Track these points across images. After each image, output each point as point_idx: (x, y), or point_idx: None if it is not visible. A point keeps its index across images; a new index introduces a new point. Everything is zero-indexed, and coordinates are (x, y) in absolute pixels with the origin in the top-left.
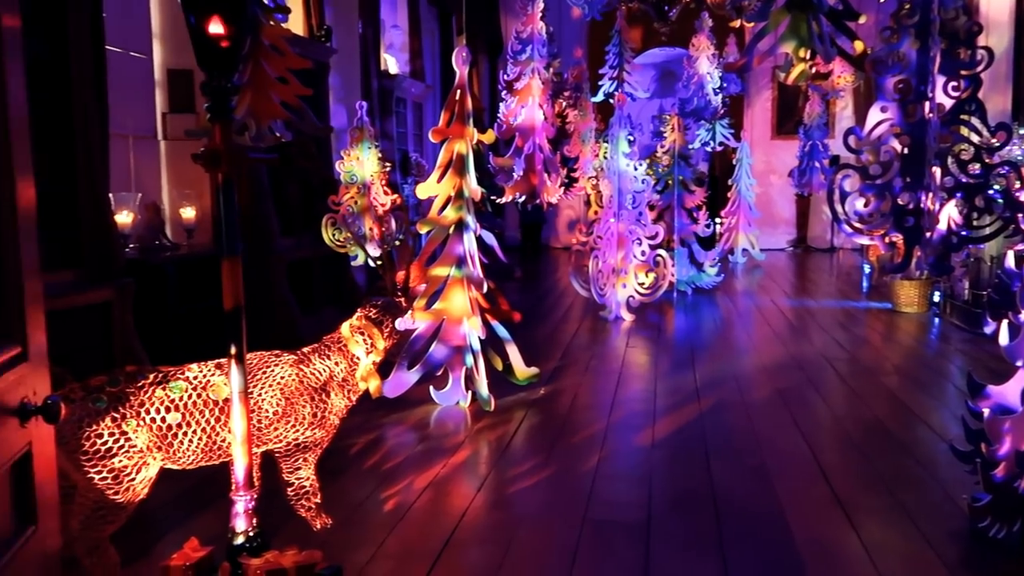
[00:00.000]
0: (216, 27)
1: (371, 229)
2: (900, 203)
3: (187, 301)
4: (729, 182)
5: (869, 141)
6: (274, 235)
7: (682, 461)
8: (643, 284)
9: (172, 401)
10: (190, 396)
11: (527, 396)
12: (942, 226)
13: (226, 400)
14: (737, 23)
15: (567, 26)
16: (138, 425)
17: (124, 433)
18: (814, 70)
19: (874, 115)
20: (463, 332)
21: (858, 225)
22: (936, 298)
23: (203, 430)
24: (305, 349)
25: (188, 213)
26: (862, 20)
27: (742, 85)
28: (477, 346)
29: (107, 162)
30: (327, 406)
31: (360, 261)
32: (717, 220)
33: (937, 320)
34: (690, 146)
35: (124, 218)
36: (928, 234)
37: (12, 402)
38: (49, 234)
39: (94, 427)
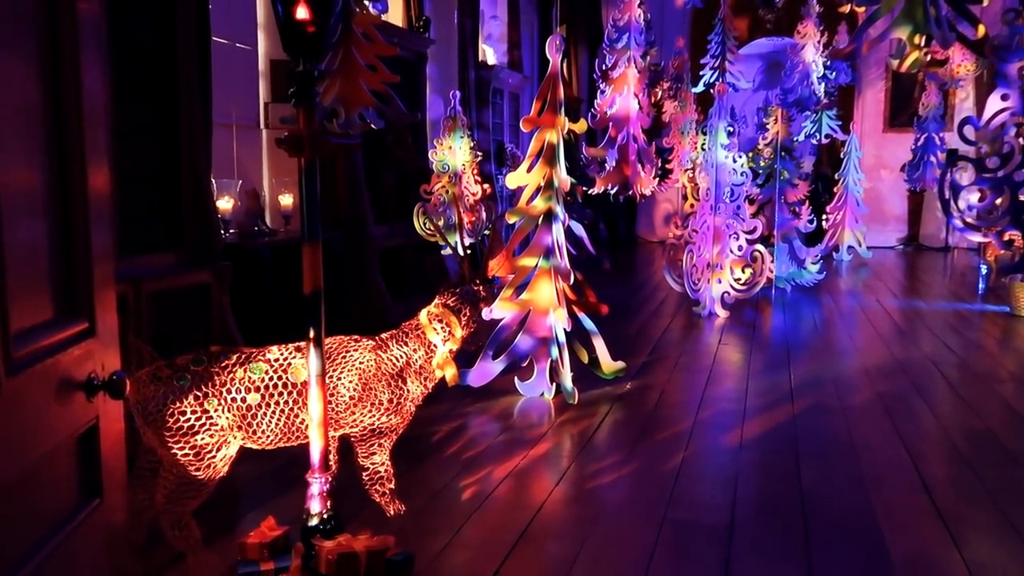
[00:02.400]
0: (302, 12)
1: (461, 218)
2: (1021, 198)
3: (283, 285)
4: (836, 176)
5: (987, 132)
6: (368, 222)
7: (771, 465)
8: (739, 280)
9: (253, 382)
10: (270, 378)
11: (612, 390)
12: None
13: (304, 383)
14: (847, 8)
15: (669, 15)
16: (219, 404)
17: (206, 412)
18: (929, 57)
19: (993, 103)
20: (549, 323)
21: (972, 221)
22: None
23: (281, 411)
24: (383, 335)
25: (286, 200)
26: (985, 2)
27: (852, 75)
28: (563, 338)
29: (209, 149)
30: (403, 392)
31: (450, 250)
32: (824, 216)
33: None
34: (794, 138)
35: (225, 204)
36: None
37: (79, 376)
38: (152, 218)
39: (178, 405)
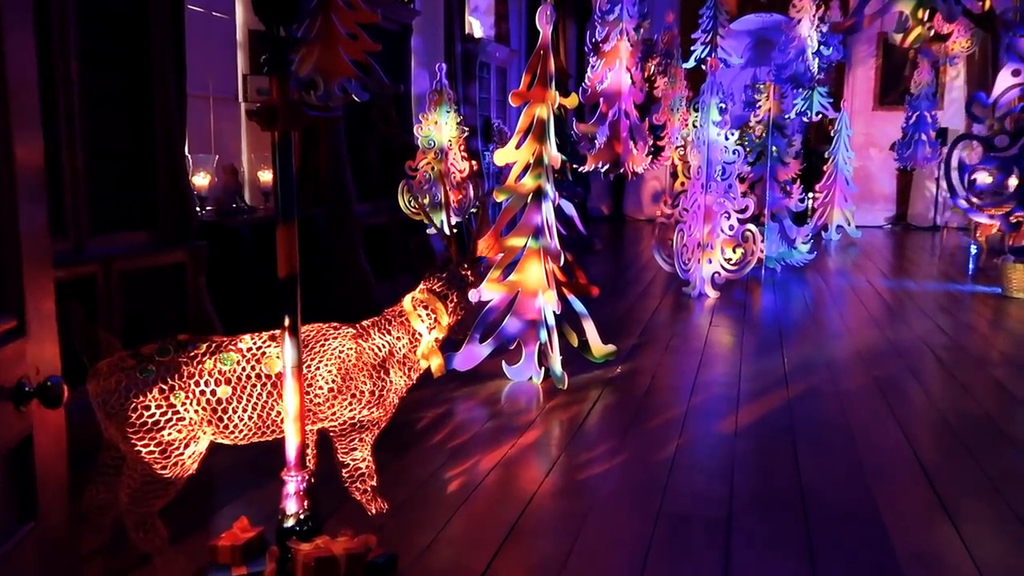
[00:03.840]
0: None
1: (446, 195)
2: None
3: (262, 265)
4: (826, 154)
5: (995, 109)
6: (351, 200)
7: (768, 453)
8: (730, 260)
9: (223, 373)
10: (242, 368)
11: (603, 374)
12: None
13: (279, 374)
14: None
15: None
16: (187, 397)
17: (172, 406)
18: (932, 32)
19: (1004, 79)
20: (538, 306)
21: (977, 202)
22: None
23: (255, 405)
24: (364, 323)
25: (266, 176)
26: None
27: (844, 51)
28: (552, 321)
29: (184, 122)
30: (386, 384)
31: (435, 230)
32: (810, 194)
33: None
34: (786, 116)
35: (201, 180)
36: None
37: (6, 382)
38: (124, 194)
39: (141, 398)
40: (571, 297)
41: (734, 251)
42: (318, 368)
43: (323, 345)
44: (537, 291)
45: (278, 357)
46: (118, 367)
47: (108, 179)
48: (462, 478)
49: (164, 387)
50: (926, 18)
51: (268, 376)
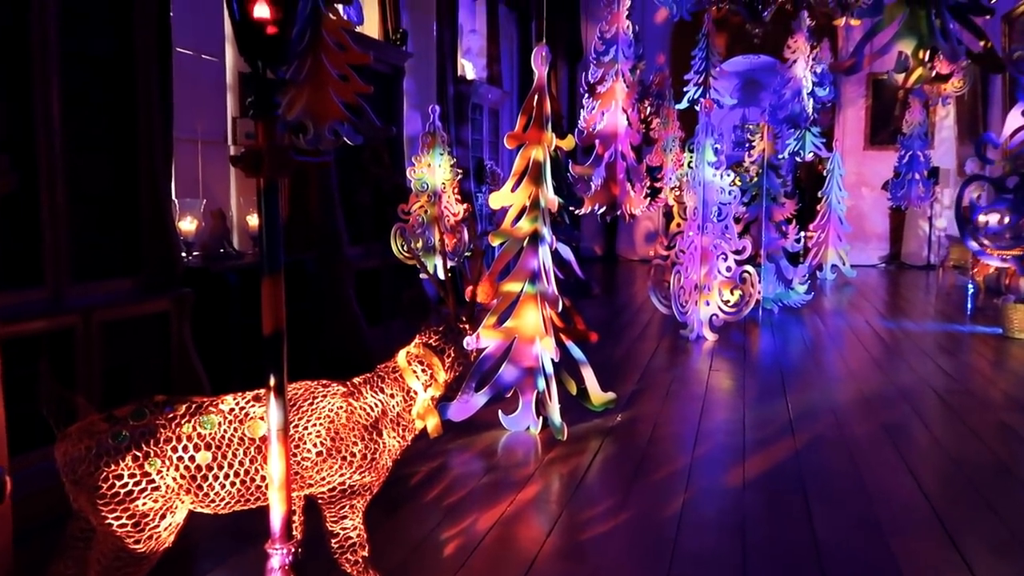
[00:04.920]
0: (262, 10)
1: (441, 240)
2: None
3: (250, 312)
4: (819, 194)
5: (1006, 149)
6: (343, 243)
7: (779, 507)
8: (728, 302)
9: (203, 437)
10: (224, 432)
11: (603, 423)
12: None
13: (264, 438)
14: (841, 21)
15: (649, 31)
16: (164, 464)
17: (147, 474)
18: (934, 72)
19: (1013, 120)
20: (535, 353)
21: (988, 243)
22: None
23: (237, 472)
24: (356, 380)
25: (255, 221)
26: (990, 16)
27: (834, 92)
28: (550, 368)
29: (171, 166)
30: (378, 446)
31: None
32: (804, 234)
33: None
34: (779, 155)
35: (188, 225)
36: None
37: None
38: (107, 240)
39: (113, 467)
40: (569, 343)
41: (732, 293)
42: (306, 429)
43: (311, 404)
44: (534, 338)
45: (263, 419)
46: (88, 432)
47: (90, 224)
48: (459, 539)
49: (138, 454)
50: (927, 58)
51: (252, 440)
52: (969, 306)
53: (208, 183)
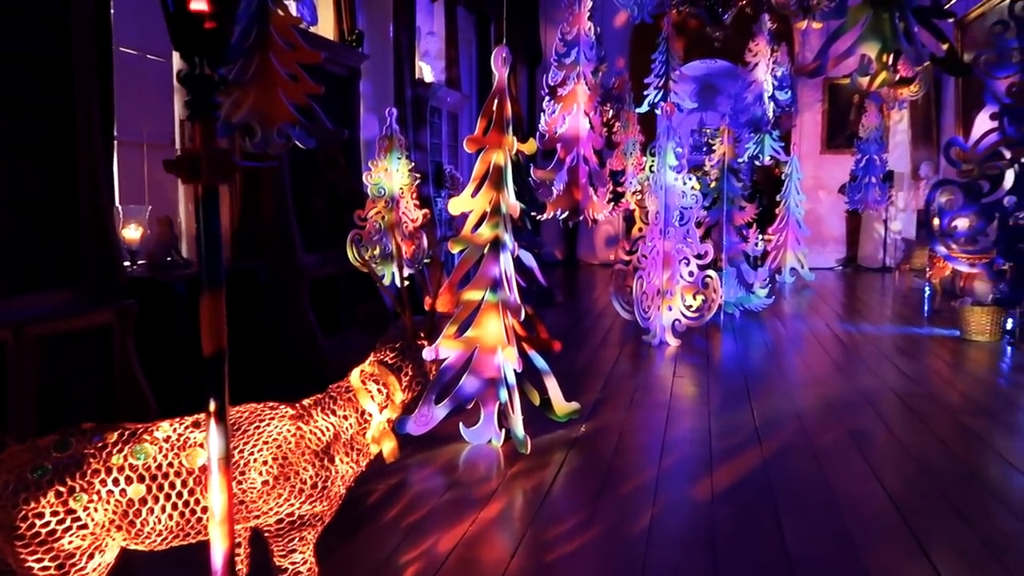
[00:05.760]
0: (199, 2)
1: (398, 248)
2: (1012, 224)
3: (199, 323)
4: (777, 198)
5: (976, 154)
6: (297, 250)
7: (749, 520)
8: (690, 307)
9: (136, 469)
10: (159, 463)
11: (567, 434)
12: None
13: (204, 467)
14: (803, 24)
15: (609, 35)
16: (91, 500)
17: (72, 512)
18: (897, 76)
19: (982, 123)
20: (497, 363)
21: (957, 250)
22: (1009, 325)
23: (174, 505)
24: (306, 401)
25: None
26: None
27: (791, 96)
28: (513, 379)
29: (111, 170)
30: (330, 473)
31: (387, 281)
32: (763, 237)
33: (1010, 349)
34: (739, 159)
35: (132, 233)
36: None
37: None
38: (43, 249)
39: (32, 504)
40: (532, 353)
41: (694, 298)
42: (252, 456)
43: (257, 429)
44: (496, 348)
45: (202, 447)
46: (5, 465)
47: (24, 233)
48: (420, 562)
49: (61, 489)
50: (891, 62)
51: (190, 470)
52: (926, 308)
53: (155, 189)
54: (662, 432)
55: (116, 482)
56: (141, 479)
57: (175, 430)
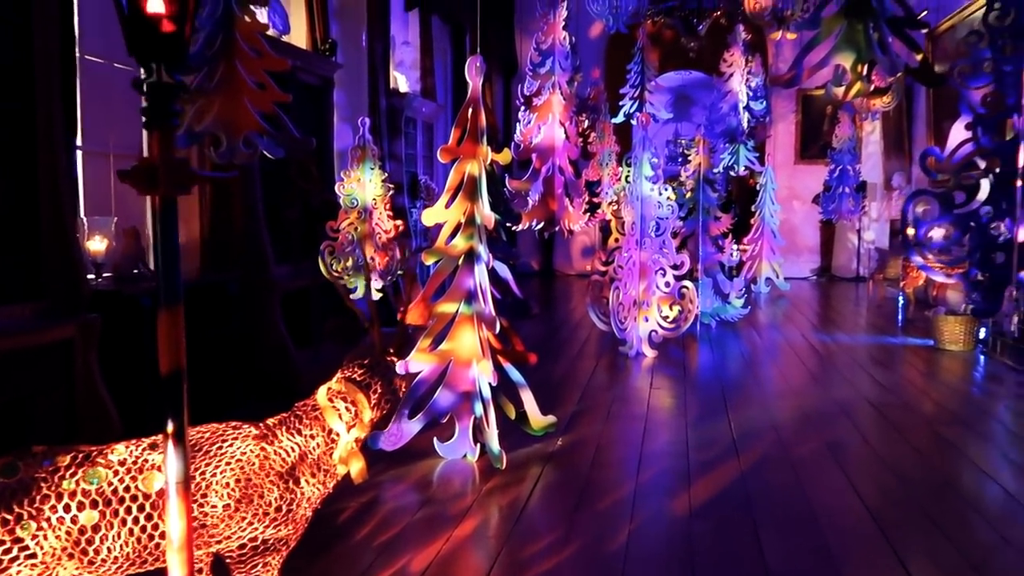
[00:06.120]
0: (156, 4)
1: (372, 259)
2: (988, 235)
3: None
4: (752, 208)
5: (950, 163)
6: (268, 262)
7: (728, 536)
8: (667, 317)
9: (88, 494)
10: (114, 487)
11: (543, 448)
12: None
13: (162, 492)
14: (778, 35)
15: (584, 46)
16: (40, 528)
17: (19, 540)
18: (873, 86)
19: (957, 133)
20: (472, 376)
21: (934, 260)
22: (982, 335)
23: (130, 531)
24: (271, 420)
25: None
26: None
27: (766, 107)
28: (488, 392)
29: (75, 180)
30: (295, 496)
31: (360, 294)
32: (738, 248)
33: (983, 359)
34: (715, 170)
35: (98, 244)
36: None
37: None
38: (4, 261)
39: None
40: (507, 366)
41: (671, 308)
42: (213, 478)
43: (220, 449)
44: (471, 361)
45: (160, 470)
46: None
47: None
48: None
49: (8, 517)
50: (865, 72)
51: (147, 495)
52: (900, 318)
53: (122, 199)
54: (639, 445)
55: (68, 508)
56: (94, 505)
57: (131, 452)
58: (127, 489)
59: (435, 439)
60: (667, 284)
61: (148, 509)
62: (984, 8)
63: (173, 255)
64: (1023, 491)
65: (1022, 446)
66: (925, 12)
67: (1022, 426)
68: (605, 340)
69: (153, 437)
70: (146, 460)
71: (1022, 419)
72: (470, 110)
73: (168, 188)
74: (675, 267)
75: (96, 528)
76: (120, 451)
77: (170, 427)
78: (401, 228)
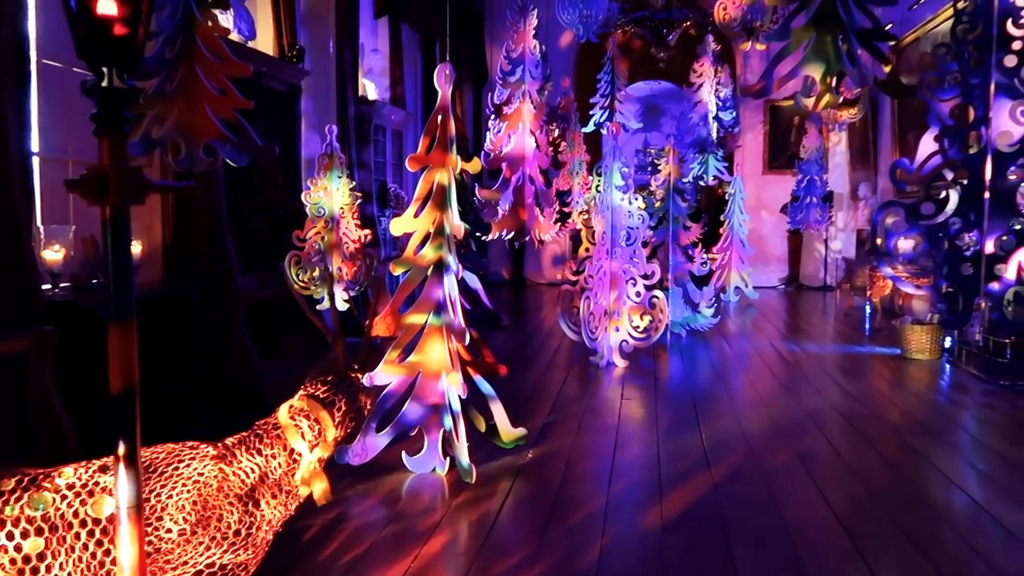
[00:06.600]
0: (107, 6)
1: (340, 269)
2: (957, 247)
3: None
4: (721, 218)
5: (919, 175)
6: (233, 271)
7: (701, 552)
8: (637, 327)
9: (33, 520)
10: (61, 513)
11: (513, 461)
12: (1010, 275)
13: (112, 517)
14: (747, 45)
15: (553, 55)
16: None
17: None
18: (841, 98)
19: (926, 145)
20: (441, 389)
21: (903, 272)
22: (948, 344)
23: (79, 559)
24: (229, 440)
25: (136, 248)
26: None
27: (735, 117)
28: (457, 405)
29: (30, 188)
30: (256, 519)
31: (326, 304)
32: (709, 257)
33: (949, 368)
34: (684, 180)
35: (54, 254)
36: (993, 284)
37: None
38: None
39: None
40: (477, 378)
41: (641, 318)
42: (168, 500)
43: (176, 470)
44: (440, 373)
45: (111, 494)
46: None
47: None
48: None
49: None
50: (835, 83)
51: (96, 521)
52: (867, 327)
53: (81, 208)
54: (611, 457)
55: (11, 536)
56: (39, 532)
57: (80, 476)
58: (75, 514)
59: (403, 453)
60: (638, 294)
61: (98, 535)
62: (950, 21)
63: (125, 268)
64: (991, 501)
65: (988, 455)
66: (890, 25)
67: (987, 435)
68: (576, 350)
69: (104, 459)
70: (96, 483)
71: (987, 428)
72: (439, 118)
73: (119, 198)
74: (646, 277)
75: (42, 556)
76: (68, 474)
77: (121, 449)
78: (369, 237)
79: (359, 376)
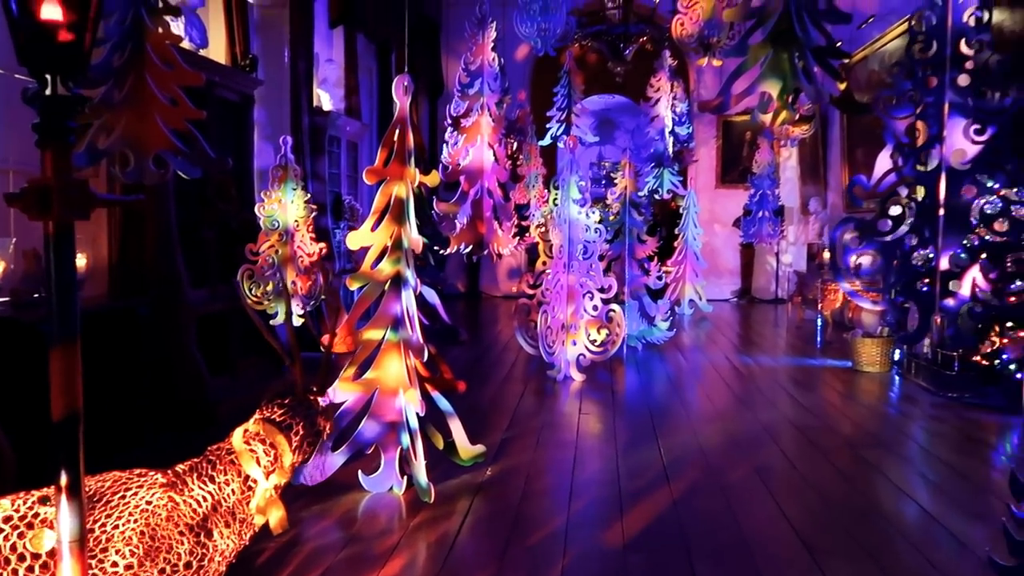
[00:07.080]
0: (52, 11)
1: (294, 283)
2: (912, 263)
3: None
4: (676, 231)
5: (876, 191)
6: (182, 285)
7: (662, 570)
8: (595, 341)
9: None
10: None
11: (472, 479)
12: (965, 291)
13: (53, 552)
14: (704, 61)
15: (510, 69)
16: None
17: None
18: (798, 115)
19: (883, 162)
20: (399, 406)
21: (860, 287)
22: (897, 356)
23: None
24: (180, 467)
25: (82, 261)
26: (848, 60)
27: (690, 132)
28: (415, 423)
29: None
30: (208, 550)
31: (281, 319)
32: (664, 270)
33: (898, 380)
34: (640, 193)
35: None
36: (948, 300)
37: None
38: None
39: None
40: (435, 394)
41: (599, 332)
42: (114, 531)
43: (123, 499)
44: (397, 390)
45: (52, 527)
46: None
47: None
48: None
49: None
50: (791, 100)
51: (36, 556)
52: (819, 340)
53: (22, 219)
54: (570, 474)
55: None
56: None
57: (17, 508)
58: (12, 549)
59: (360, 472)
60: (595, 307)
61: (37, 572)
62: (898, 40)
63: (69, 286)
64: (943, 512)
65: (937, 466)
66: (839, 43)
67: (937, 446)
68: (533, 364)
69: (44, 489)
70: (36, 515)
71: (936, 440)
72: (397, 130)
73: (63, 213)
74: (602, 290)
75: None
76: (5, 506)
77: (63, 479)
78: (324, 251)
79: (318, 399)
